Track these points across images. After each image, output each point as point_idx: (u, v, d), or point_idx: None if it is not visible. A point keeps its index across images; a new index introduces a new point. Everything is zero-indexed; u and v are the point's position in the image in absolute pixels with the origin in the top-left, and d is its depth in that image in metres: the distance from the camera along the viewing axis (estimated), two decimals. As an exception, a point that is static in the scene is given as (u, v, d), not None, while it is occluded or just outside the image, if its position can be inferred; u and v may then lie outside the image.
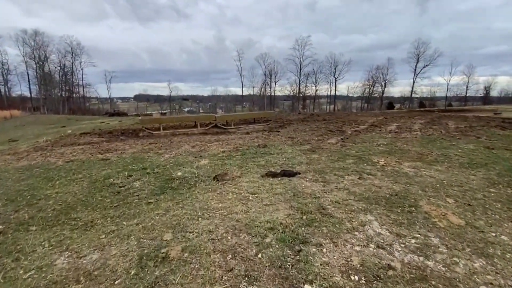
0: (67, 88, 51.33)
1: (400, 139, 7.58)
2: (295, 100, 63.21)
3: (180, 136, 9.06)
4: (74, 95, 53.24)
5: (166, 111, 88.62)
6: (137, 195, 3.64)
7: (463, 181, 4.01)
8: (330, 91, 64.79)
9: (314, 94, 63.39)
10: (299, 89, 60.32)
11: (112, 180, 4.31)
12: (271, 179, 3.99)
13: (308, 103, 64.99)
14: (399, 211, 2.95)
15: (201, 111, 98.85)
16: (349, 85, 71.49)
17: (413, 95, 61.67)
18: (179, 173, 4.45)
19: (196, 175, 4.32)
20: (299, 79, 59.34)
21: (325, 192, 3.43)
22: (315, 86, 61.80)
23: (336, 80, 61.63)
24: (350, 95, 72.90)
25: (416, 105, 64.05)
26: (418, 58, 55.91)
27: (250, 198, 3.29)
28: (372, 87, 62.32)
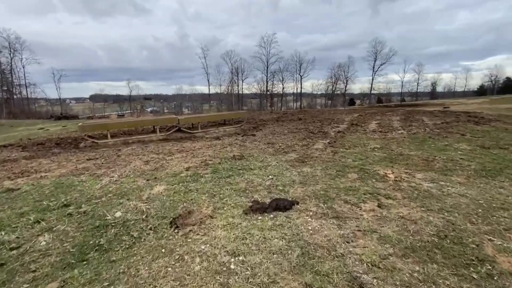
0: (4, 88, 43.91)
1: (390, 140, 6.81)
2: (263, 98, 62.64)
3: (134, 145, 7.30)
4: (15, 96, 45.85)
5: (126, 111, 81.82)
6: (33, 270, 2.08)
7: (499, 198, 3.14)
8: (296, 89, 65.46)
9: (281, 92, 63.47)
10: (267, 87, 59.82)
11: (1, 234, 2.63)
12: (259, 217, 2.69)
13: (275, 101, 64.90)
14: (470, 273, 1.86)
15: (165, 110, 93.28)
16: (314, 83, 73.26)
17: (372, 92, 65.16)
18: (118, 214, 2.92)
19: (144, 216, 2.84)
20: (266, 77, 58.81)
21: (347, 241, 2.23)
22: (282, 84, 61.87)
23: (301, 78, 62.33)
24: (315, 92, 74.72)
25: (374, 101, 67.84)
26: (376, 56, 58.97)
27: (232, 267, 1.95)
28: (335, 85, 64.32)
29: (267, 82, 58.87)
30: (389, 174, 4.07)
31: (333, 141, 6.59)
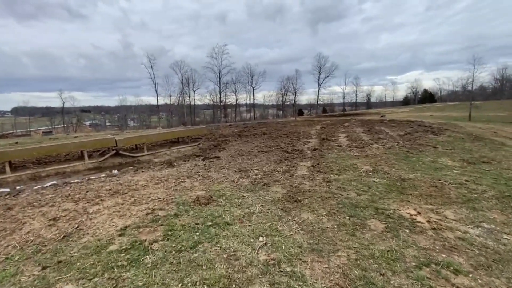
0: None
1: (372, 157, 6.06)
2: (217, 109, 60.94)
3: (47, 182, 5.07)
4: None
5: (59, 126, 70.25)
6: None
7: None
8: (249, 100, 65.83)
9: (235, 103, 62.82)
10: (220, 98, 58.41)
11: None
12: None
13: (229, 112, 63.83)
14: None
15: (107, 124, 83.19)
16: (265, 94, 74.78)
17: (318, 102, 69.45)
18: None
19: None
20: (219, 87, 57.47)
21: None
22: (235, 95, 61.34)
23: (253, 90, 62.88)
24: (266, 103, 76.33)
25: (320, 111, 72.48)
26: (320, 70, 63.24)
27: None
28: (284, 96, 66.69)
29: (220, 93, 57.49)
30: (414, 215, 3.04)
31: (316, 163, 5.51)
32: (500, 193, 3.70)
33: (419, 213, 3.11)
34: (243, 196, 3.70)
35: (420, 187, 3.98)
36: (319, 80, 64.03)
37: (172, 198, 3.70)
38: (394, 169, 5.02)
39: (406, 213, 3.11)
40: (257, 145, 8.26)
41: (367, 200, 3.49)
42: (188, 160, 6.68)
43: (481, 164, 5.40)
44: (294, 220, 2.94)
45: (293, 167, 5.27)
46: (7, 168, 5.65)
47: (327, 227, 2.77)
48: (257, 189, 4.01)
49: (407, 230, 2.68)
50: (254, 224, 2.86)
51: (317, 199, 3.55)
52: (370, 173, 4.74)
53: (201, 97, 59.89)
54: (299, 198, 3.55)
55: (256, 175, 4.77)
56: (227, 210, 3.23)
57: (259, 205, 3.37)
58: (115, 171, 6.40)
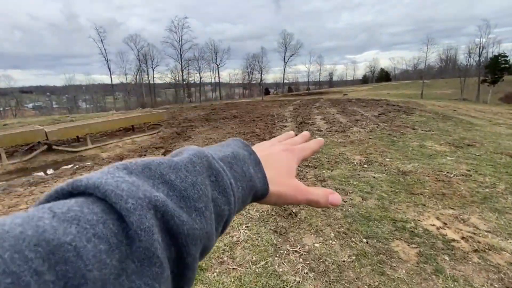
0: None
1: (359, 144, 5.48)
2: (179, 88, 57.11)
3: None
4: None
5: None
6: None
7: None
8: (214, 78, 62.83)
9: (199, 82, 59.38)
10: (183, 76, 54.50)
11: None
12: None
13: (193, 91, 60.38)
14: None
15: (55, 106, 72.81)
16: (230, 72, 71.97)
17: (284, 81, 69.24)
18: None
19: None
20: (181, 65, 53.39)
21: None
22: (199, 73, 57.81)
23: (218, 67, 59.89)
24: (232, 82, 73.96)
25: (286, 90, 72.73)
26: (286, 48, 62.20)
27: None
28: (250, 75, 64.95)
29: (182, 71, 53.53)
30: (441, 228, 2.41)
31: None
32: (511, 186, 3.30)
33: (445, 224, 2.50)
34: (219, 212, 2.75)
35: (426, 183, 3.42)
36: (284, 58, 63.05)
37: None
38: (388, 159, 4.46)
39: (431, 225, 2.47)
40: (229, 131, 7.22)
41: (377, 207, 2.80)
42: (145, 154, 5.43)
43: (468, 148, 5.13)
44: (296, 251, 2.10)
45: (276, 161, 4.41)
46: None
47: (344, 261, 1.98)
48: (237, 198, 3.07)
49: (446, 257, 2.02)
50: (240, 266, 1.95)
51: (316, 209, 2.75)
52: (365, 166, 4.10)
53: (161, 75, 55.36)
54: (293, 210, 2.71)
55: (232, 175, 3.82)
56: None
57: (244, 226, 2.46)
58: (50, 172, 4.93)
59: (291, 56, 62.84)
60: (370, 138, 6.01)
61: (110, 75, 50.71)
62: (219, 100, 48.96)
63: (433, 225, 2.47)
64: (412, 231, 2.37)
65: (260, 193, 0.30)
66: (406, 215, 2.64)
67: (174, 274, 0.20)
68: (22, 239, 0.14)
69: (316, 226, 2.45)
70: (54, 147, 5.76)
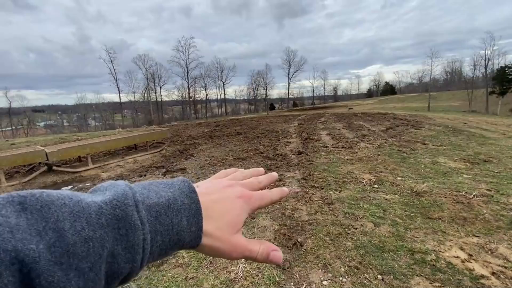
0: None
1: (367, 161, 5.23)
2: (186, 105, 58.11)
3: None
4: None
5: (7, 129, 61.38)
6: None
7: None
8: (220, 95, 63.90)
9: (205, 98, 60.40)
10: (189, 93, 55.64)
11: None
12: None
13: (199, 108, 61.32)
14: None
15: (65, 124, 74.65)
16: (236, 89, 73.17)
17: (289, 96, 69.84)
18: None
19: None
20: (188, 83, 54.70)
21: None
22: (205, 90, 58.94)
23: (224, 84, 61.09)
24: (238, 98, 75.00)
25: (291, 105, 73.14)
26: (290, 64, 63.34)
27: None
28: (256, 90, 65.76)
29: (189, 88, 54.73)
30: (467, 261, 2.12)
31: (307, 173, 4.49)
32: (540, 209, 2.98)
33: (470, 255, 2.20)
34: (217, 241, 2.52)
35: (444, 205, 3.13)
36: (289, 74, 64.05)
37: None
38: (399, 178, 4.19)
39: (455, 257, 2.18)
40: (232, 149, 7.06)
41: (392, 235, 2.52)
42: (145, 175, 5.28)
43: (485, 164, 4.82)
44: (301, 291, 1.85)
45: (280, 180, 4.19)
46: None
47: (357, 305, 1.71)
48: (237, 224, 2.84)
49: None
50: (238, 310, 1.70)
51: (324, 238, 2.50)
52: (376, 186, 3.83)
53: (168, 93, 56.72)
54: (298, 239, 2.46)
55: (233, 197, 3.60)
56: (192, 277, 2.03)
57: (243, 260, 2.22)
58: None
59: (295, 72, 63.81)
60: (378, 155, 5.75)
61: (119, 93, 52.20)
62: (225, 116, 49.45)
63: (457, 257, 2.19)
64: (433, 265, 2.09)
65: (188, 246, 0.29)
66: (425, 245, 2.36)
67: None
68: None
69: (324, 258, 2.19)
70: (54, 167, 5.68)
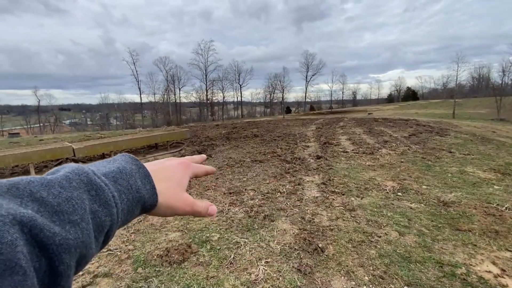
0: None
1: (390, 168, 5.06)
2: (203, 107, 59.10)
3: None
4: None
5: (35, 126, 65.39)
6: None
7: None
8: (236, 97, 64.40)
9: (222, 101, 61.16)
10: (207, 95, 56.57)
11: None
12: None
13: (216, 110, 62.15)
14: None
15: (89, 122, 78.42)
16: (253, 92, 73.40)
17: (306, 100, 69.17)
18: None
19: None
20: (206, 85, 55.66)
21: None
22: (222, 93, 59.69)
23: (241, 87, 61.56)
24: (254, 101, 75.28)
25: (308, 109, 72.27)
26: (308, 67, 62.82)
27: None
28: (272, 94, 65.69)
29: (206, 90, 55.68)
30: (500, 276, 1.99)
31: (326, 178, 4.41)
32: None
33: (503, 270, 2.07)
34: (236, 242, 2.52)
35: (474, 217, 2.96)
36: (306, 77, 63.58)
37: (129, 249, 2.46)
38: (424, 186, 4.01)
39: (486, 271, 2.05)
40: (249, 151, 7.08)
41: (418, 245, 2.42)
42: (166, 174, 5.41)
43: (517, 176, 4.52)
44: (324, 298, 1.81)
45: (299, 184, 4.15)
46: None
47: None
48: (256, 226, 2.84)
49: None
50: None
51: (346, 245, 2.43)
52: (399, 194, 3.70)
53: (187, 95, 57.92)
54: (319, 245, 2.42)
55: (252, 199, 3.61)
56: (212, 276, 2.05)
57: (263, 261, 2.21)
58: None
59: (313, 75, 63.23)
60: (402, 162, 5.55)
61: (140, 94, 54.07)
62: (241, 118, 49.82)
63: (489, 271, 2.06)
64: (464, 279, 1.98)
65: (148, 204, 0.32)
66: (455, 257, 2.24)
67: (45, 284, 0.21)
68: None
69: (347, 266, 2.14)
70: (80, 164, 5.96)
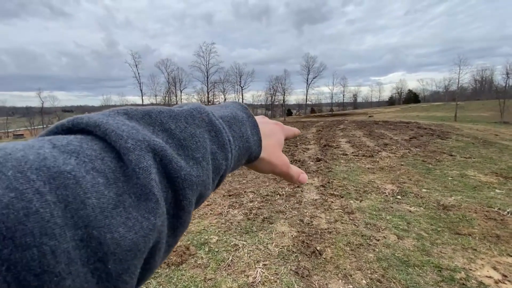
0: None
1: (390, 171, 5.05)
2: (205, 109, 59.17)
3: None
4: None
5: (38, 127, 65.86)
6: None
7: None
8: (238, 99, 64.47)
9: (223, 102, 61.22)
10: (208, 97, 56.76)
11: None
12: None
13: (218, 112, 62.18)
14: None
15: None
16: (254, 94, 73.50)
17: (307, 103, 69.22)
18: None
19: None
20: (207, 87, 55.86)
21: None
22: (224, 95, 59.86)
23: (242, 89, 61.73)
24: (255, 103, 75.37)
25: (309, 111, 72.30)
26: (309, 70, 62.96)
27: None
28: (273, 96, 65.75)
29: (208, 92, 55.87)
30: (501, 282, 1.98)
31: (326, 180, 4.41)
32: None
33: (504, 276, 2.06)
34: (235, 244, 2.52)
35: (474, 221, 2.95)
36: (307, 80, 63.67)
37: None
38: (424, 189, 4.00)
39: (487, 277, 2.04)
40: (249, 153, 7.09)
41: (417, 249, 2.41)
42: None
43: (518, 179, 4.50)
44: (321, 301, 1.80)
45: (298, 187, 4.15)
46: None
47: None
48: (254, 228, 2.83)
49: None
50: (256, 314, 1.69)
51: (344, 248, 2.43)
52: (399, 197, 3.69)
53: (188, 97, 58.06)
54: (317, 248, 2.42)
55: (251, 201, 3.61)
56: (210, 278, 2.04)
57: (261, 264, 2.20)
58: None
59: (314, 78, 63.33)
60: (402, 165, 5.54)
61: (142, 96, 54.34)
62: (242, 120, 49.81)
63: (490, 277, 2.05)
64: (463, 284, 1.96)
65: (253, 156, 0.32)
66: (454, 262, 2.23)
67: (170, 215, 0.21)
68: (24, 161, 0.14)
69: (344, 269, 2.13)
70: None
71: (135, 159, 0.18)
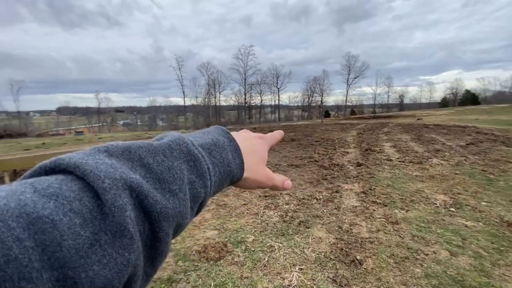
0: None
1: (441, 180, 4.58)
2: (242, 110, 60.51)
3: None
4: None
5: (95, 125, 74.36)
6: None
7: None
8: (274, 101, 64.49)
9: (260, 104, 61.87)
10: (245, 99, 57.86)
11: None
12: None
13: (254, 113, 63.08)
14: None
15: (139, 123, 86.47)
16: (290, 95, 72.64)
17: (347, 104, 66.05)
18: None
19: None
20: (244, 89, 57.01)
21: None
22: (260, 96, 60.40)
23: (279, 91, 61.55)
24: (291, 104, 74.46)
25: (348, 113, 68.81)
26: (350, 70, 60.07)
27: None
28: (310, 97, 64.18)
29: (245, 94, 57.00)
30: None
31: (367, 187, 4.18)
32: None
33: None
34: (271, 245, 2.54)
35: (550, 243, 2.52)
36: (348, 80, 60.96)
37: (172, 242, 2.66)
38: (484, 202, 3.55)
39: None
40: (285, 155, 7.06)
41: (474, 269, 2.15)
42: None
43: None
44: (360, 312, 1.72)
45: (337, 192, 4.00)
46: (6, 179, 5.06)
47: None
48: (290, 231, 2.82)
49: None
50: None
51: (388, 260, 2.28)
52: (452, 209, 3.33)
53: (226, 98, 60.00)
54: (357, 257, 2.31)
55: (287, 203, 3.59)
56: (246, 277, 2.09)
57: (297, 268, 2.19)
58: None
59: (355, 78, 60.39)
60: (456, 174, 4.98)
61: (184, 97, 57.69)
62: (278, 121, 49.82)
63: None
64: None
65: (236, 178, 0.34)
66: (522, 288, 1.94)
67: (148, 246, 0.23)
68: (6, 210, 0.16)
69: (387, 282, 2.00)
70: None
71: (111, 198, 0.19)
